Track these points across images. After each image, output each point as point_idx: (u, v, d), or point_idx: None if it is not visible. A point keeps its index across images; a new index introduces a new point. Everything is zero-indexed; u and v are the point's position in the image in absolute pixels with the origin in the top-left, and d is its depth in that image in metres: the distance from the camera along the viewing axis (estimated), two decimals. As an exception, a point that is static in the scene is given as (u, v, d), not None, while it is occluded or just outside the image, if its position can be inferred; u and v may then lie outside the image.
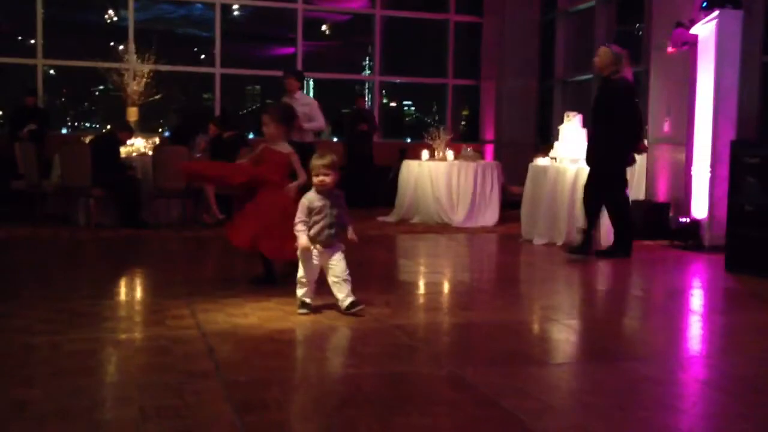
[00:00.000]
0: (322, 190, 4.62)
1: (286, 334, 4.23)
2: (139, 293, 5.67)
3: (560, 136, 9.09)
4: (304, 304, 4.67)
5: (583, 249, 7.34)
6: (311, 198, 4.62)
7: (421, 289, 6.01)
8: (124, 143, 9.39)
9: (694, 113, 8.77)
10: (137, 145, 9.75)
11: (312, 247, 4.60)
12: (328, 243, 4.63)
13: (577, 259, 7.16)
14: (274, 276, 5.54)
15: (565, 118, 9.16)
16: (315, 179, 4.63)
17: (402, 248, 8.58)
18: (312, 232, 4.60)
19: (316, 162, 4.60)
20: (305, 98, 9.11)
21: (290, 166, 5.43)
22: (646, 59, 10.07)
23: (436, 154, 10.86)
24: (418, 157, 11.04)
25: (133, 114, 10.16)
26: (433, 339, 4.36)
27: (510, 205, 10.70)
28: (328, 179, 4.58)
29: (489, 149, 13.84)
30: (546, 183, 8.66)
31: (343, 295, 4.63)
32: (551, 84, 13.47)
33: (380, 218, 10.84)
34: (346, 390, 3.33)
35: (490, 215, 10.51)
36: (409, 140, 14.62)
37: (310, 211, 4.59)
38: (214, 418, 2.94)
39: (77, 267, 6.87)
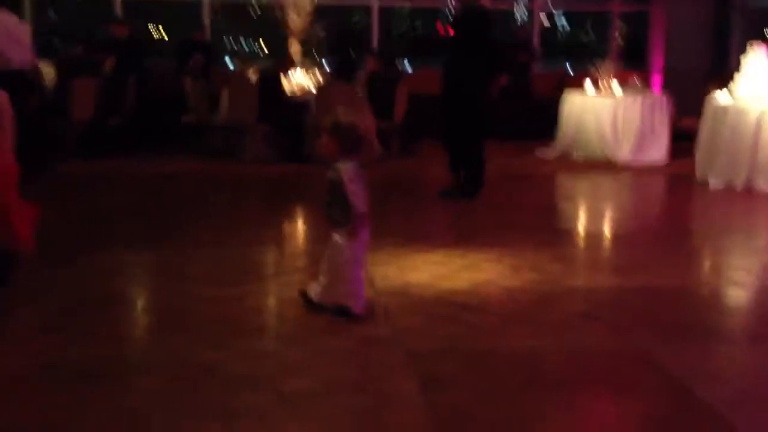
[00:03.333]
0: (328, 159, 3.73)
1: (460, 297, 4.15)
2: (308, 239, 5.73)
3: (742, 71, 8.41)
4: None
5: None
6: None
7: (589, 242, 5.78)
8: (288, 79, 9.49)
9: None
10: (300, 81, 9.82)
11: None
12: (330, 225, 3.78)
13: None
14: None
15: (748, 48, 8.43)
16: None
17: (563, 190, 8.30)
18: None
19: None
20: None
21: None
22: None
23: (600, 87, 10.37)
24: (578, 86, 10.60)
25: (295, 48, 10.22)
26: (611, 306, 4.14)
27: (680, 137, 10.11)
28: (324, 145, 3.69)
29: (657, 79, 13.07)
30: (726, 123, 8.06)
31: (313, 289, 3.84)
32: (729, 10, 12.47)
33: (539, 153, 10.53)
34: (527, 367, 3.24)
35: (657, 151, 9.95)
36: (568, 65, 14.04)
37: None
38: (397, 396, 2.93)
39: (244, 207, 7.03)
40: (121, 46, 9.81)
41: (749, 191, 7.56)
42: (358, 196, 3.60)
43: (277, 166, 8.90)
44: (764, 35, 11.61)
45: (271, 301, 4.16)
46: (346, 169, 3.61)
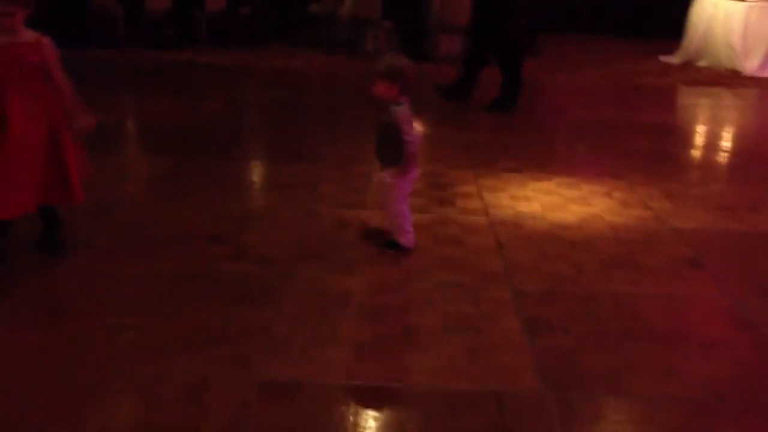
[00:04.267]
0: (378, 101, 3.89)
1: (569, 232, 4.43)
2: (421, 156, 6.02)
3: None
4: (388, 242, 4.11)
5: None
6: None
7: (703, 174, 5.84)
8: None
9: None
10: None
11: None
12: (383, 164, 3.99)
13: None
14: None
15: None
16: None
17: (684, 108, 8.25)
18: None
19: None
20: None
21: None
22: None
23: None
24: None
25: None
26: (715, 252, 4.32)
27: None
28: (380, 89, 3.83)
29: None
30: None
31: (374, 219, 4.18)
32: None
33: (663, 57, 10.35)
34: (629, 316, 3.52)
35: (788, 65, 9.67)
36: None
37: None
38: (505, 337, 3.28)
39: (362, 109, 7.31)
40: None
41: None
42: (411, 137, 3.85)
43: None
44: None
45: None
46: (401, 110, 3.83)
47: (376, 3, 9.35)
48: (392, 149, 3.88)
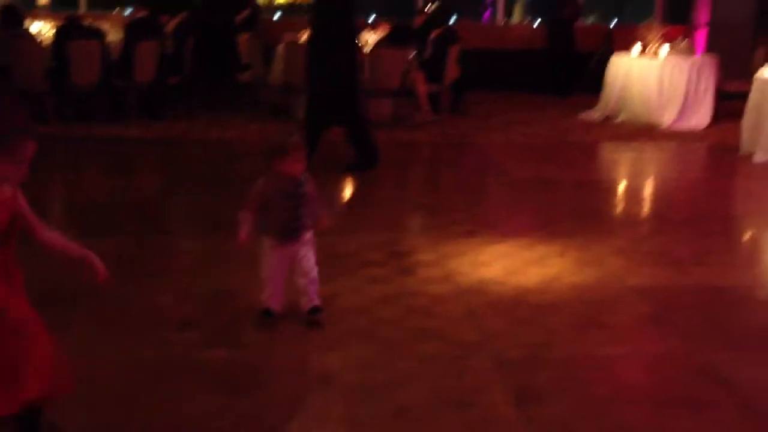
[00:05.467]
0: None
1: (535, 296, 4.49)
2: (373, 222, 6.02)
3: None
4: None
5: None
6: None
7: (645, 230, 6.04)
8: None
9: None
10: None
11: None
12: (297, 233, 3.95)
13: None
14: None
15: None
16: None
17: (609, 163, 8.60)
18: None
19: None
20: None
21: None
22: None
23: (647, 49, 10.49)
24: (622, 43, 10.81)
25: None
26: (675, 308, 4.44)
27: (725, 97, 10.32)
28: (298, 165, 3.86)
29: (701, 34, 13.10)
30: (773, 96, 8.26)
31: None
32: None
33: (583, 115, 10.74)
34: (611, 378, 3.59)
35: (701, 117, 10.18)
36: (614, 23, 14.08)
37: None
38: (497, 411, 3.27)
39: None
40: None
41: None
42: (320, 204, 3.96)
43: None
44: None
45: (367, 300, 4.42)
46: (308, 178, 3.92)
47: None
48: (304, 216, 3.90)
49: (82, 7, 12.47)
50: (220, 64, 10.44)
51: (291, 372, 3.54)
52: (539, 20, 13.63)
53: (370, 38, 10.11)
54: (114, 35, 9.64)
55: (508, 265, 4.97)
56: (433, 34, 10.04)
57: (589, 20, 14.08)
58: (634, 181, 7.78)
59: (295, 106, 9.71)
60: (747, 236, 6.09)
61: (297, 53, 9.46)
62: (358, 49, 7.24)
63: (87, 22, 9.76)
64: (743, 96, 8.72)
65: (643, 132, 9.69)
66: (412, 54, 9.67)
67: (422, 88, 9.53)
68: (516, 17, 13.89)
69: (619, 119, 10.40)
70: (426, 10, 10.62)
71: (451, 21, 10.80)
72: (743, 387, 3.54)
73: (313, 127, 7.10)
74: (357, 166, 7.16)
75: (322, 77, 7.03)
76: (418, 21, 10.49)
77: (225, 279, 4.65)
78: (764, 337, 4.10)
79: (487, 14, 14.34)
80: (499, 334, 4.01)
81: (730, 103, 9.99)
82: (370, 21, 11.52)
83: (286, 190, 3.87)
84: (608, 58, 10.76)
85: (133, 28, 9.28)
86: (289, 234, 3.91)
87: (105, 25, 9.82)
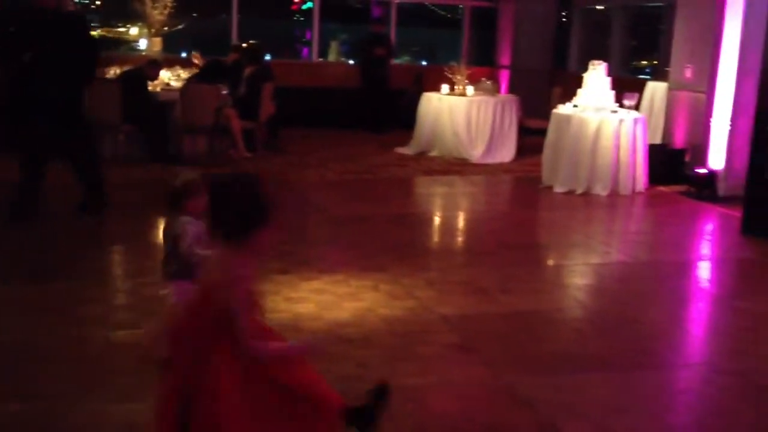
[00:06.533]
0: None
1: (347, 329, 4.51)
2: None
3: (584, 84, 9.21)
4: None
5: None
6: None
7: (455, 261, 6.26)
8: (153, 78, 9.43)
9: (718, 63, 8.88)
10: (162, 77, 9.79)
11: None
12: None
13: None
14: None
15: (590, 66, 9.25)
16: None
17: (424, 196, 8.86)
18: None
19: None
20: None
21: None
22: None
23: (455, 88, 10.94)
24: (432, 82, 11.25)
25: (156, 44, 10.15)
26: (481, 335, 4.60)
27: (527, 133, 10.95)
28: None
29: (504, 75, 13.86)
30: (569, 131, 8.83)
31: None
32: (571, 10, 13.41)
33: (398, 150, 11.02)
34: (417, 408, 3.64)
35: (507, 151, 10.73)
36: (424, 63, 14.62)
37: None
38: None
39: (115, 223, 7.01)
40: None
41: (587, 196, 8.52)
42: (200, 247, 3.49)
43: (142, 166, 8.90)
44: (600, 32, 12.63)
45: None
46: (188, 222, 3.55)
47: (114, 107, 9.03)
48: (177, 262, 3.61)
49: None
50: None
51: (93, 427, 3.34)
52: (353, 60, 13.90)
53: (182, 74, 9.92)
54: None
55: (322, 300, 4.97)
56: (247, 71, 9.99)
57: (402, 60, 14.51)
58: (446, 214, 8.05)
59: (101, 145, 9.33)
60: (549, 263, 6.43)
61: (107, 90, 9.13)
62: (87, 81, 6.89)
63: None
64: (543, 132, 9.29)
65: (454, 166, 10.05)
66: (225, 90, 9.57)
67: (236, 124, 9.43)
68: (331, 56, 14.10)
69: (432, 153, 10.74)
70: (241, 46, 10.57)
71: (266, 58, 10.81)
72: (546, 407, 3.70)
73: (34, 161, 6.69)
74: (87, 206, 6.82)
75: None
76: (231, 57, 10.40)
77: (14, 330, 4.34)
78: (564, 359, 4.31)
79: (305, 52, 14.49)
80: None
81: (531, 138, 10.61)
82: (183, 56, 11.30)
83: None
84: (419, 96, 11.13)
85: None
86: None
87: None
